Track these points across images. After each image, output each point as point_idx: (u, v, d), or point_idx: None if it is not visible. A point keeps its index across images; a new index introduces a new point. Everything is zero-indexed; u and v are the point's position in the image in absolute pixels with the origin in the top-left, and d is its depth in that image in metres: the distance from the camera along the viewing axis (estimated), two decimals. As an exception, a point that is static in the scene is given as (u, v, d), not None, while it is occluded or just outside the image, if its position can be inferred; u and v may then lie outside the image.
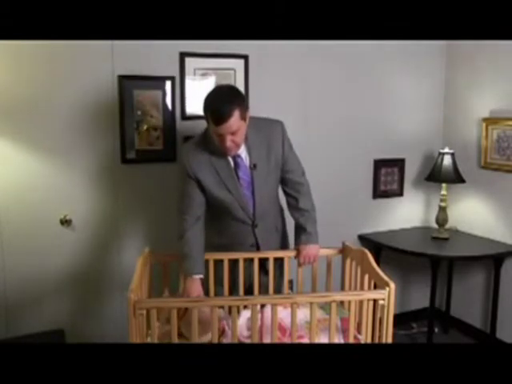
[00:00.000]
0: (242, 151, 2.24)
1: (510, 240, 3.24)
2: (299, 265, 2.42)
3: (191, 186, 2.25)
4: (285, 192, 2.43)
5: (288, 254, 2.43)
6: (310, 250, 2.36)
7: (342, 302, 2.35)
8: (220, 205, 2.28)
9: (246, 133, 2.19)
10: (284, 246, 2.52)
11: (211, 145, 2.20)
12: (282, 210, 2.52)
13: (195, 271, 2.19)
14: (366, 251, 2.20)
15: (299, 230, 2.41)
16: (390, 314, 1.93)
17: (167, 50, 2.76)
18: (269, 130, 2.28)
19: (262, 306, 2.16)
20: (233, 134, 2.07)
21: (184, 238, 2.24)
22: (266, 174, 2.28)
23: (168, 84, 2.80)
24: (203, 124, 2.23)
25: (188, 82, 2.84)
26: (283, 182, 2.39)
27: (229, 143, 2.09)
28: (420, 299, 3.71)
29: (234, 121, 2.04)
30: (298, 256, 2.40)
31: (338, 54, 3.21)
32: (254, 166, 2.24)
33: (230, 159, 2.23)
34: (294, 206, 2.41)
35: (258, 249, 2.39)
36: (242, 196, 2.25)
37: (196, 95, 2.86)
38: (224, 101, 2.06)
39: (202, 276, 2.21)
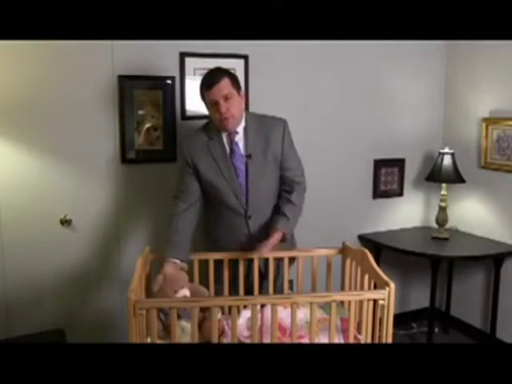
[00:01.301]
0: (240, 139, 2.28)
1: (510, 240, 3.23)
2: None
3: (187, 172, 2.31)
4: (281, 188, 2.41)
5: (288, 254, 2.43)
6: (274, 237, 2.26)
7: (342, 302, 2.35)
8: (214, 191, 2.31)
9: (246, 123, 2.27)
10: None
11: (210, 132, 2.28)
12: None
13: (172, 255, 2.20)
14: (366, 251, 2.20)
15: (280, 215, 2.33)
16: (390, 314, 1.93)
17: (167, 50, 2.76)
18: (269, 126, 2.32)
19: (262, 306, 2.16)
20: (226, 99, 2.16)
21: (171, 223, 2.30)
22: (262, 166, 2.30)
23: (168, 84, 2.80)
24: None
25: (188, 81, 2.84)
26: (282, 179, 2.39)
27: (224, 109, 2.16)
28: (420, 299, 3.71)
29: (225, 84, 2.16)
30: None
31: (337, 53, 3.21)
32: (249, 156, 2.27)
33: (227, 146, 2.28)
34: (284, 199, 2.38)
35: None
36: (235, 182, 2.28)
37: (196, 95, 2.85)
38: (214, 70, 2.26)
39: (177, 261, 2.20)
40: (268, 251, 2.24)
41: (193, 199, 2.34)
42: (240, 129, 2.29)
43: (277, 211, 2.37)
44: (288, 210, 2.34)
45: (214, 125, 2.29)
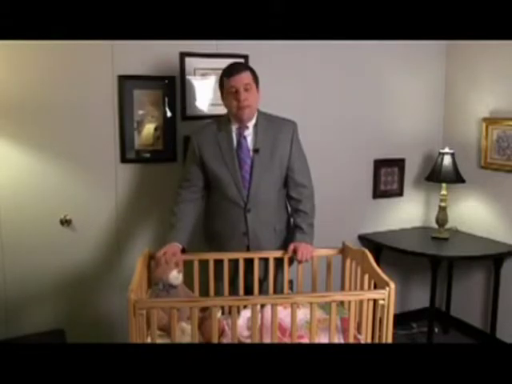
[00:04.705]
0: (249, 134, 2.33)
1: (510, 240, 3.23)
2: (299, 262, 2.39)
3: (193, 162, 2.37)
4: (288, 195, 2.44)
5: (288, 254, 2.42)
6: (306, 248, 2.36)
7: (341, 302, 2.35)
8: (216, 181, 2.35)
9: (257, 120, 2.33)
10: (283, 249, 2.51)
11: (220, 124, 2.34)
12: (287, 214, 2.52)
13: (175, 240, 2.28)
14: (366, 251, 2.20)
15: (295, 229, 2.44)
16: (390, 313, 1.93)
17: (167, 50, 2.76)
18: (279, 126, 2.37)
19: (262, 306, 2.16)
20: (246, 89, 2.22)
21: (173, 211, 2.37)
22: (268, 162, 2.33)
23: (168, 84, 2.79)
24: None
25: (188, 81, 2.84)
26: (287, 183, 2.41)
27: (243, 97, 2.21)
28: (420, 299, 3.71)
29: (246, 75, 2.24)
30: (294, 254, 2.37)
31: (337, 53, 3.21)
32: (257, 150, 2.31)
33: (235, 138, 2.32)
34: (294, 208, 2.45)
35: (248, 239, 2.38)
36: (238, 174, 2.31)
37: (196, 95, 2.86)
38: (237, 62, 2.47)
39: (180, 246, 2.27)
40: (305, 261, 2.36)
41: (196, 189, 2.40)
42: (250, 124, 2.34)
43: (293, 224, 2.47)
44: (300, 221, 2.41)
45: (225, 119, 2.36)
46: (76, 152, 2.67)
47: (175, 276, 2.12)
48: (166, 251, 2.20)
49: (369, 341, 2.03)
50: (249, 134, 2.33)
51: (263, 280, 2.45)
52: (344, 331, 2.11)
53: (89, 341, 2.62)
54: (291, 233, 2.48)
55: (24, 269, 2.63)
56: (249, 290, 2.41)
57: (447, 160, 3.28)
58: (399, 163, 3.56)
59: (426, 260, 3.21)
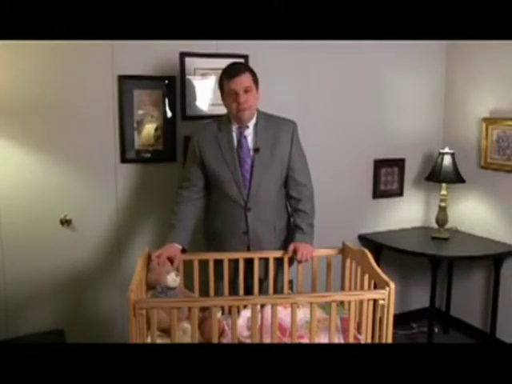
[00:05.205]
0: (249, 134, 2.34)
1: (510, 240, 3.23)
2: (298, 262, 2.40)
3: (193, 162, 2.38)
4: (288, 195, 2.45)
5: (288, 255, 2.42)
6: (306, 248, 2.36)
7: (341, 302, 2.35)
8: (216, 180, 2.36)
9: (257, 120, 2.34)
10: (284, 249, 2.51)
11: (221, 124, 2.35)
12: (287, 214, 2.53)
13: (175, 241, 2.29)
14: (366, 251, 2.20)
15: (295, 229, 2.44)
16: (390, 313, 1.93)
17: (167, 49, 2.76)
18: (279, 126, 2.38)
19: (262, 306, 2.16)
20: (246, 91, 2.23)
21: (174, 211, 2.38)
22: (268, 161, 2.33)
23: (168, 84, 2.79)
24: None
25: (188, 81, 2.84)
26: (287, 182, 2.41)
27: (243, 100, 2.22)
28: (420, 299, 3.71)
29: (246, 78, 2.25)
30: (294, 254, 2.38)
31: (338, 54, 3.21)
32: (257, 150, 2.32)
33: (235, 138, 2.33)
34: (294, 208, 2.46)
35: (248, 238, 2.38)
36: (238, 173, 2.32)
37: (196, 95, 2.86)
38: (237, 63, 2.48)
39: (180, 247, 2.29)
40: (305, 261, 2.36)
41: (197, 189, 2.41)
42: (250, 124, 2.35)
43: (293, 224, 2.47)
44: (299, 221, 2.42)
45: (225, 118, 2.37)
46: (76, 152, 2.67)
47: (173, 279, 2.11)
48: (159, 254, 2.20)
49: (369, 341, 2.03)
50: (249, 133, 2.34)
51: (263, 280, 2.46)
52: (344, 331, 2.11)
53: (88, 341, 2.62)
54: (291, 232, 2.48)
55: (24, 269, 2.63)
56: (249, 290, 2.41)
57: (447, 160, 3.28)
58: (399, 163, 3.56)
59: (426, 260, 3.21)
